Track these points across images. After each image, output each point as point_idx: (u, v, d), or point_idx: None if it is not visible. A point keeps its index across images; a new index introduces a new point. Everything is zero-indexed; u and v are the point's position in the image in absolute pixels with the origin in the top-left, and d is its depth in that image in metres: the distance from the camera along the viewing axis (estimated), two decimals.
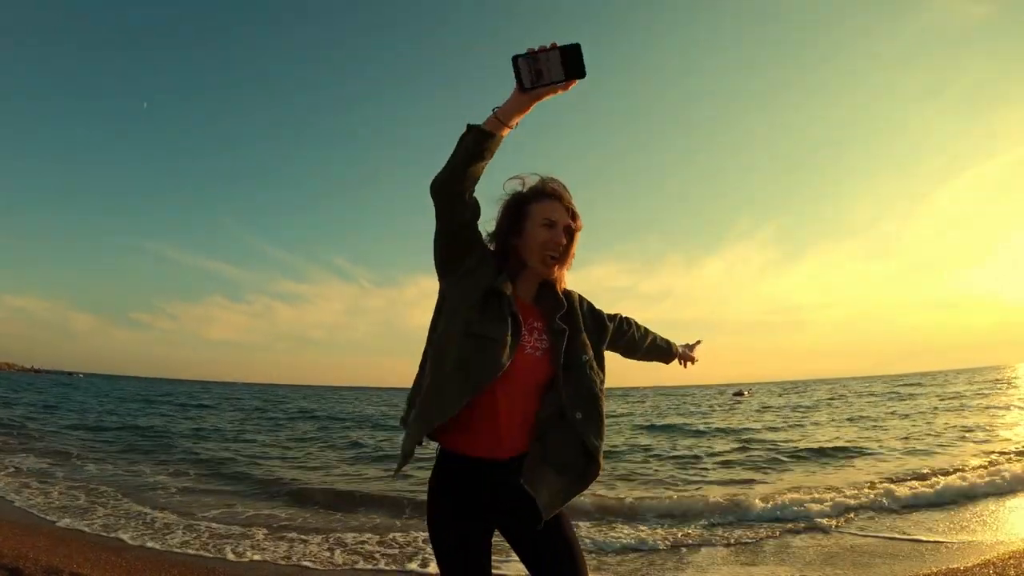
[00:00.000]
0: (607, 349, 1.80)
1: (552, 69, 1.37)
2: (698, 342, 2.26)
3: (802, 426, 17.16)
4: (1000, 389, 30.38)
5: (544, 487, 1.52)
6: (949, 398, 25.45)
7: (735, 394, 45.17)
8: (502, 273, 1.57)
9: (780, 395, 43.62)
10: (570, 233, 1.61)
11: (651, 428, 18.01)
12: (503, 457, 1.53)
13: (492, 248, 1.64)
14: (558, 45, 1.35)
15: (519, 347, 1.52)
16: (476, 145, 1.41)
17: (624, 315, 1.94)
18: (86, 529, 5.61)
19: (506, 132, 1.44)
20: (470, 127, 1.42)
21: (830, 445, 11.60)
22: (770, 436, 14.36)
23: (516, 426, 1.55)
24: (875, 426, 15.88)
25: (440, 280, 1.60)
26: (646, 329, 2.02)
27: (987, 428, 13.64)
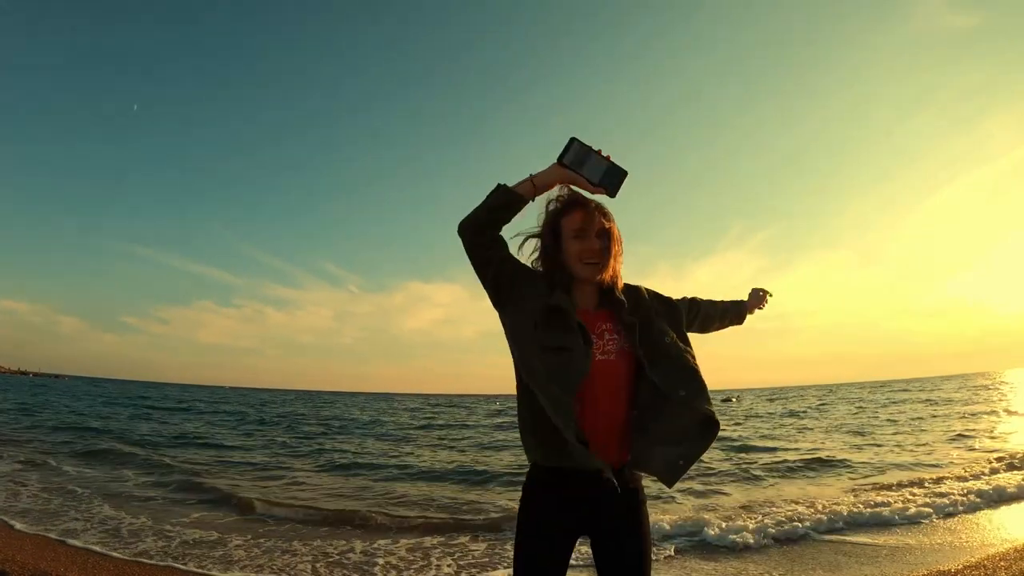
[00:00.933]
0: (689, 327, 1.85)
1: (593, 169, 1.58)
2: (764, 294, 2.18)
3: (790, 433, 17.23)
4: (986, 395, 30.89)
5: (656, 459, 1.57)
6: (935, 404, 25.78)
7: (723, 400, 45.47)
8: (556, 289, 1.60)
9: (770, 400, 44.00)
10: (605, 234, 1.62)
11: None
12: (588, 467, 1.52)
13: (542, 268, 1.67)
14: (611, 159, 1.58)
15: (592, 354, 1.55)
16: (502, 204, 1.59)
17: (691, 296, 1.97)
18: (52, 534, 5.46)
19: (534, 197, 1.62)
20: (499, 186, 1.60)
21: (812, 455, 11.56)
22: (757, 443, 14.35)
23: (603, 433, 1.56)
24: (858, 432, 16.06)
25: (499, 313, 1.66)
26: (711, 300, 2.04)
27: (970, 434, 13.83)
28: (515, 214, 1.61)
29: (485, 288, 1.65)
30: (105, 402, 32.69)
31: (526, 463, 1.67)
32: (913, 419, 19.27)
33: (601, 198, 1.63)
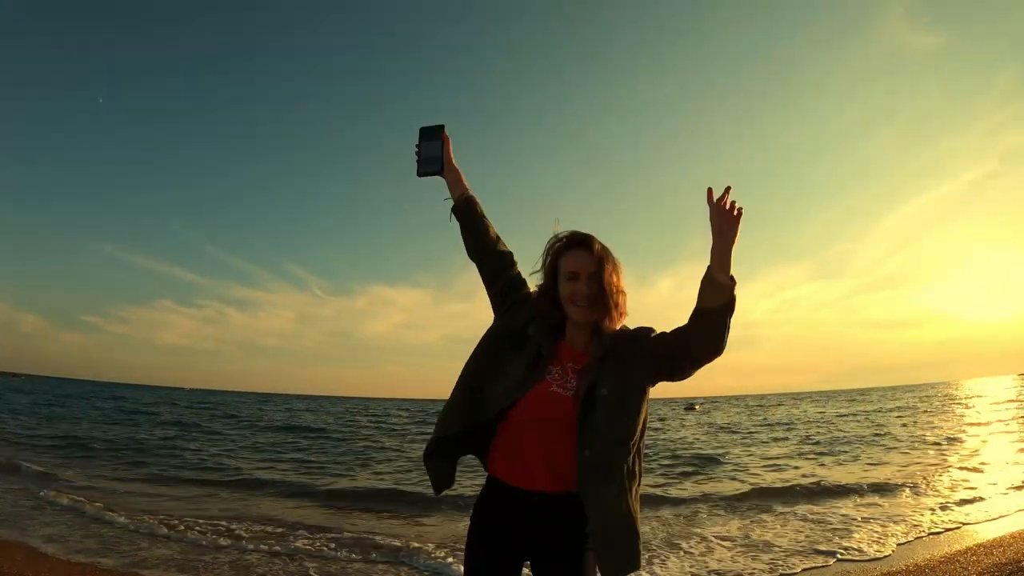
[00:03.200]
0: (661, 377, 1.64)
1: (430, 147, 1.83)
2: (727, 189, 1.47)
3: (742, 441, 17.63)
4: (942, 405, 31.84)
5: (596, 522, 1.52)
6: (887, 412, 26.75)
7: (686, 408, 46.17)
8: (542, 322, 1.68)
9: (734, 408, 44.99)
10: (597, 280, 1.60)
11: None
12: (532, 489, 1.58)
13: (536, 303, 1.70)
14: (416, 143, 1.84)
15: (540, 383, 1.59)
16: (460, 216, 1.83)
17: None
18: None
19: (463, 199, 1.83)
20: (452, 209, 1.84)
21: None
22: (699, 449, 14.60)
23: (543, 461, 1.57)
24: (807, 439, 16.61)
25: (495, 315, 1.80)
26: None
27: (915, 442, 14.39)
28: (475, 212, 1.82)
29: (489, 291, 1.81)
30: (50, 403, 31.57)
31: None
32: (860, 424, 20.04)
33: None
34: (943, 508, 6.71)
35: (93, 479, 9.11)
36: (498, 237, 1.85)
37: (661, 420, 29.76)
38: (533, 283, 1.74)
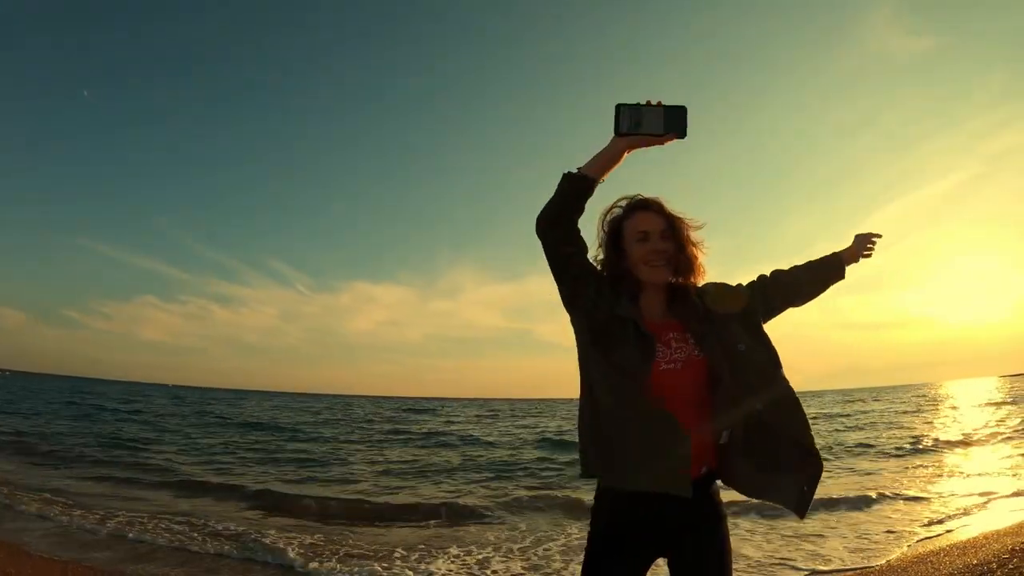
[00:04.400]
0: (768, 317, 1.70)
1: (652, 122, 1.51)
2: (872, 237, 1.87)
3: None
4: (924, 407, 31.75)
5: (771, 487, 1.52)
6: (870, 414, 26.96)
7: None
8: (621, 298, 1.57)
9: None
10: (672, 235, 1.58)
11: (547, 443, 16.61)
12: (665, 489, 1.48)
13: (608, 276, 1.62)
14: (664, 104, 1.51)
15: (654, 365, 1.49)
16: (574, 192, 1.55)
17: (766, 273, 1.79)
18: None
19: (602, 178, 1.57)
20: (566, 174, 1.55)
21: None
22: None
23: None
24: None
25: (570, 315, 1.62)
26: (793, 267, 1.81)
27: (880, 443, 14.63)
28: (587, 199, 1.56)
29: (561, 288, 1.60)
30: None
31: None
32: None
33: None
34: (925, 512, 6.80)
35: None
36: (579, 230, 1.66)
37: None
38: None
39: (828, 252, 1.84)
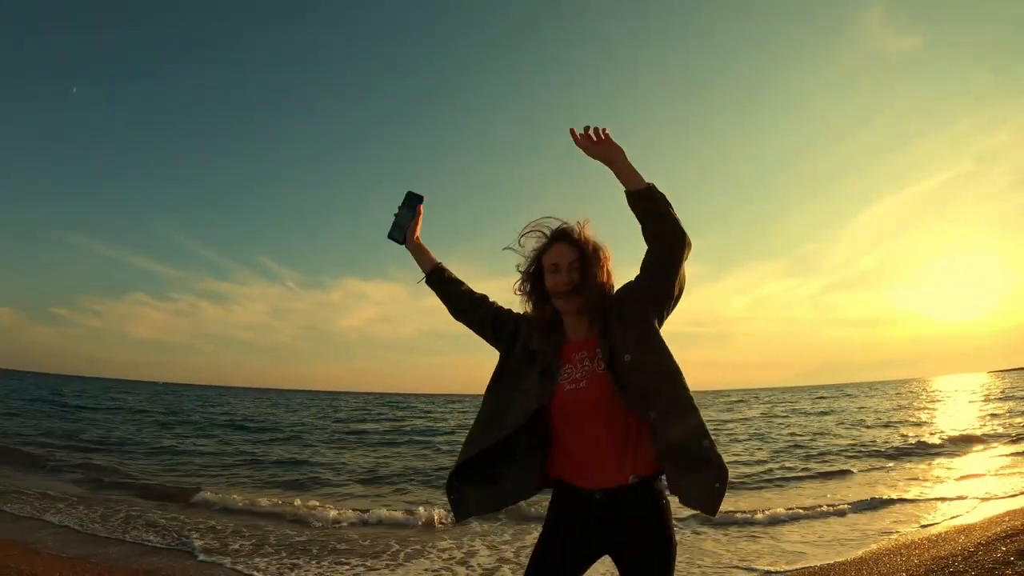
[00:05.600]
0: (665, 306, 1.70)
1: (405, 216, 1.97)
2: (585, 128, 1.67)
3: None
4: (911, 403, 32.24)
5: (682, 488, 1.58)
6: (858, 411, 27.17)
7: None
8: (535, 332, 1.79)
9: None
10: (579, 268, 1.69)
11: None
12: (591, 487, 1.65)
13: (532, 307, 1.81)
14: (399, 205, 1.97)
15: (556, 387, 1.69)
16: (437, 292, 1.96)
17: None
18: None
19: (437, 262, 1.97)
20: (426, 282, 1.97)
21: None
22: None
23: (592, 457, 1.66)
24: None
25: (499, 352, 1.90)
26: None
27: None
28: (445, 279, 1.93)
29: (485, 339, 1.92)
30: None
31: None
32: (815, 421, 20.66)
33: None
34: (906, 512, 6.95)
35: None
36: (470, 291, 1.95)
37: None
38: (520, 304, 1.86)
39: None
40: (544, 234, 1.77)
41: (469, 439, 1.78)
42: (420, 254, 1.97)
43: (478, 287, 1.99)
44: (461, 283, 1.96)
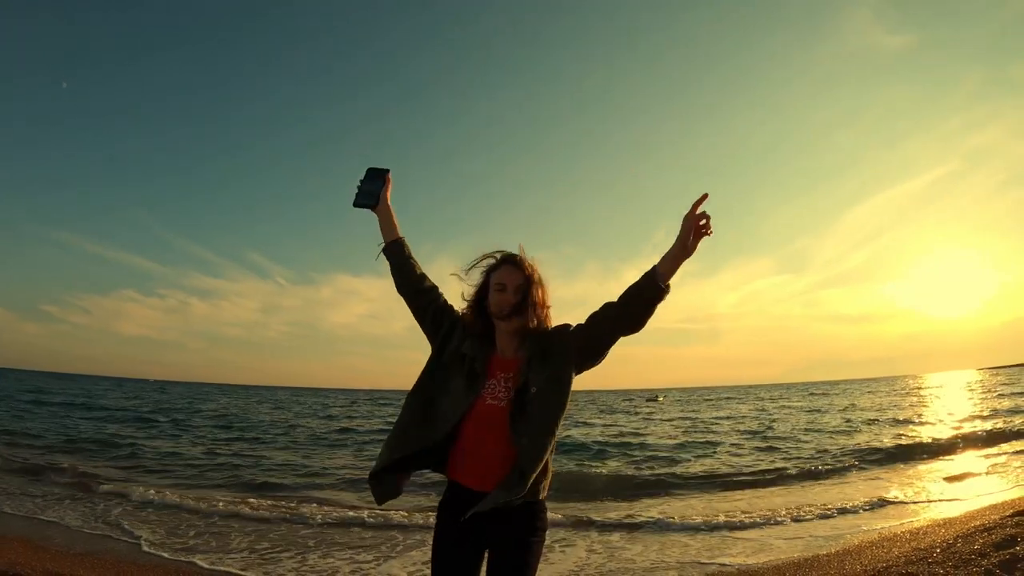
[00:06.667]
0: (586, 363, 1.90)
1: (371, 183, 1.99)
2: (703, 197, 1.74)
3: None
4: (898, 401, 32.01)
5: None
6: (844, 409, 27.31)
7: (649, 399, 46.84)
8: (470, 338, 1.92)
9: (690, 401, 45.88)
10: (523, 291, 1.87)
11: None
12: (481, 489, 1.79)
13: (470, 316, 1.95)
14: (361, 179, 2.00)
15: (479, 398, 1.84)
16: (391, 261, 2.01)
17: (596, 310, 1.88)
18: None
19: (398, 234, 2.02)
20: (382, 252, 2.02)
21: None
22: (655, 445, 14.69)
23: (486, 465, 1.80)
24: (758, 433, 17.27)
25: (431, 346, 2.00)
26: (619, 298, 1.85)
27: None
28: (405, 253, 2.00)
29: (422, 327, 2.00)
30: None
31: None
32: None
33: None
34: (895, 507, 7.03)
35: None
36: (424, 275, 2.03)
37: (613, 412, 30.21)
38: (460, 303, 1.99)
39: (657, 261, 1.78)
40: (495, 257, 1.94)
41: (401, 436, 1.88)
42: (388, 221, 2.02)
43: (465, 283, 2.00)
44: (417, 264, 2.04)
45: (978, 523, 4.84)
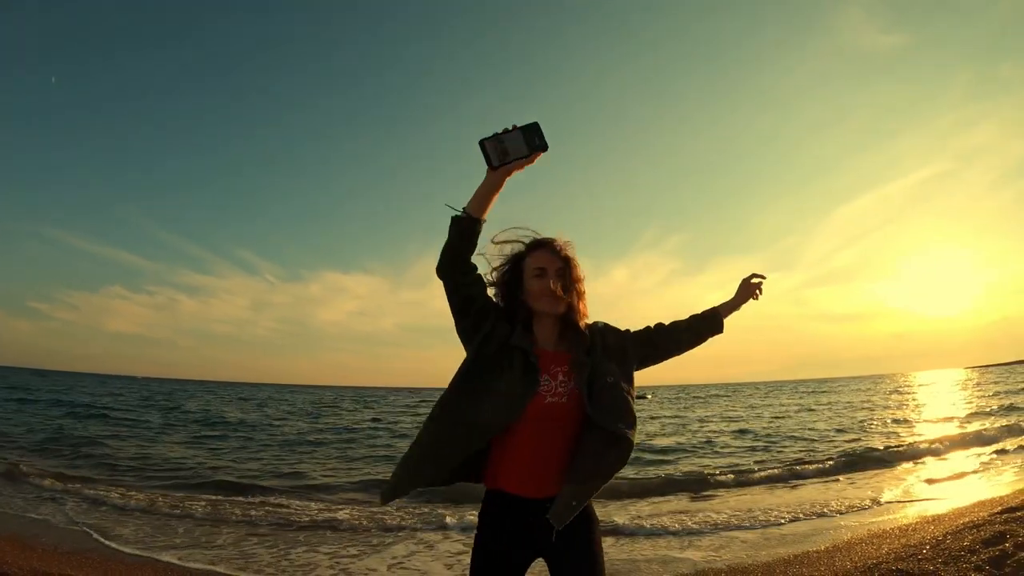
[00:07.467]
0: (646, 365, 1.92)
1: (516, 146, 1.60)
2: (757, 280, 2.05)
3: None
4: (885, 399, 32.27)
5: (559, 500, 1.65)
6: (827, 406, 27.73)
7: (637, 397, 46.81)
8: (517, 327, 1.73)
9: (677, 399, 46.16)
10: (564, 274, 1.74)
11: None
12: (535, 497, 1.67)
13: (503, 305, 1.79)
14: (518, 126, 1.61)
15: (537, 395, 1.66)
16: (461, 234, 1.65)
17: (651, 325, 1.97)
18: None
19: (486, 213, 1.66)
20: (453, 219, 1.65)
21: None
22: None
23: (546, 469, 1.67)
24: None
25: (465, 348, 1.75)
26: (675, 322, 1.99)
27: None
28: (476, 238, 1.66)
29: (462, 323, 1.72)
30: None
31: None
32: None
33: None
34: (885, 506, 7.05)
35: None
36: (476, 265, 1.78)
37: None
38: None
39: (715, 304, 2.04)
40: (522, 242, 1.81)
41: (433, 456, 1.72)
42: (492, 193, 1.65)
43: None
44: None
45: (967, 520, 4.88)
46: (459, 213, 1.65)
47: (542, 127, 1.62)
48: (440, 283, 1.71)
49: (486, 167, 1.61)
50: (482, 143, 1.60)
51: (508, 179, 1.64)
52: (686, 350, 1.99)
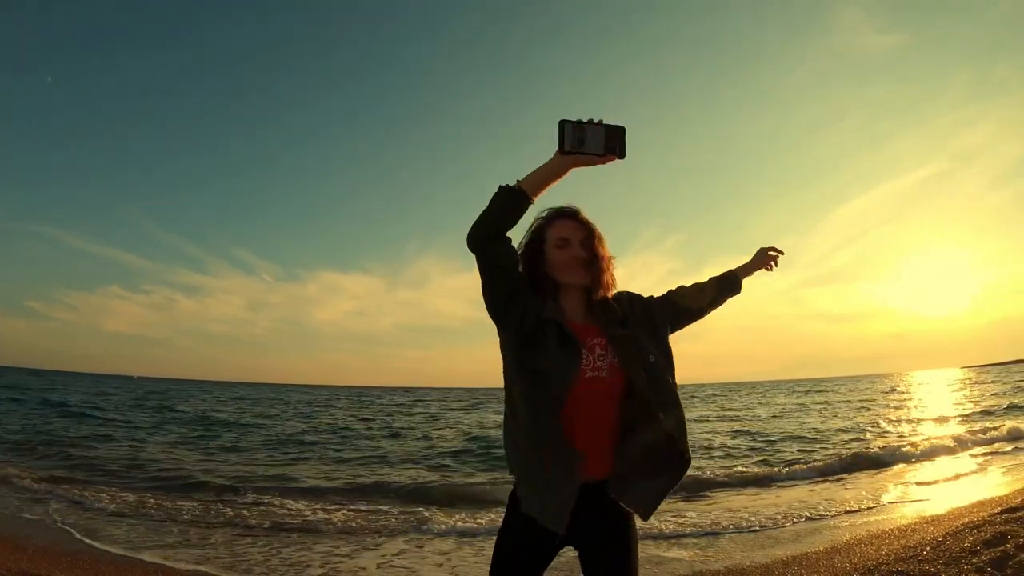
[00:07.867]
0: (675, 330, 1.85)
1: (595, 141, 1.52)
2: (774, 253, 2.07)
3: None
4: (878, 398, 32.39)
5: (638, 495, 1.63)
6: (822, 405, 27.79)
7: None
8: (547, 300, 1.64)
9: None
10: (589, 244, 1.66)
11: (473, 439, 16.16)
12: (583, 480, 1.57)
13: (526, 277, 1.68)
14: (605, 122, 1.53)
15: (580, 371, 1.56)
16: (510, 206, 1.55)
17: (672, 289, 1.92)
18: None
19: (538, 196, 1.58)
20: (502, 188, 1.55)
21: None
22: None
23: (589, 451, 1.57)
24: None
25: (498, 329, 1.65)
26: (694, 284, 1.95)
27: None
28: (521, 215, 1.57)
29: (495, 298, 1.61)
30: None
31: None
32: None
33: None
34: (882, 509, 7.03)
35: None
36: (511, 240, 1.67)
37: None
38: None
39: (731, 266, 2.04)
40: (542, 216, 1.72)
41: (538, 441, 1.57)
42: (550, 179, 1.58)
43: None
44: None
45: (967, 520, 4.83)
46: (516, 183, 1.56)
47: (625, 137, 1.55)
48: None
49: (556, 150, 1.54)
50: (563, 123, 1.51)
51: (574, 167, 1.57)
52: (708, 312, 1.96)
